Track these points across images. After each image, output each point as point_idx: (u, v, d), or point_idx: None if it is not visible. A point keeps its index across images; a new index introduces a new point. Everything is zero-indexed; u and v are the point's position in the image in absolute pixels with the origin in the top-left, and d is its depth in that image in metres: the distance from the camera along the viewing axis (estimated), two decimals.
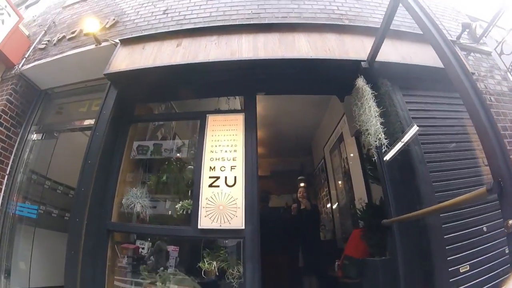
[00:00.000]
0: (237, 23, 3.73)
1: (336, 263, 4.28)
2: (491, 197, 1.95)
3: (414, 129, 3.00)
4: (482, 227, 2.90)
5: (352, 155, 4.87)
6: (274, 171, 8.44)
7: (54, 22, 5.18)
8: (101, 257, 3.04)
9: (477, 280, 2.68)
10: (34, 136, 4.60)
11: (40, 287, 4.31)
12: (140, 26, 4.10)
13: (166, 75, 3.54)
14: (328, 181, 6.36)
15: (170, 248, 3.36)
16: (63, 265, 4.17)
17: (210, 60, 3.36)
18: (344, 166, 5.23)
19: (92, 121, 4.23)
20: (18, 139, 4.44)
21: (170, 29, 3.84)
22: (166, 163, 3.78)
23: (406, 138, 2.96)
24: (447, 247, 2.73)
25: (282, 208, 6.27)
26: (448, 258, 2.70)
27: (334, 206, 5.96)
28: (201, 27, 3.75)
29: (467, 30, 4.12)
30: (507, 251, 2.89)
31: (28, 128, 4.56)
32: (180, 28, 3.81)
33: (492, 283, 2.68)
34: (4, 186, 4.17)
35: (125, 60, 3.64)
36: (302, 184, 5.23)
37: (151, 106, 4.07)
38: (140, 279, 3.10)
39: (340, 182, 5.58)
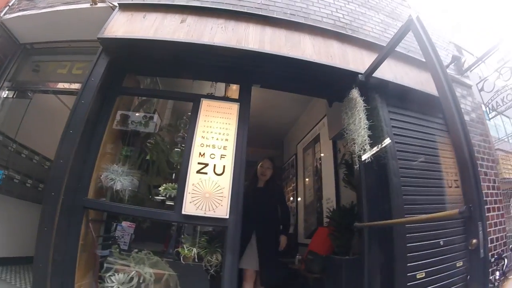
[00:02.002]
0: (245, 10, 3.78)
1: (298, 256, 4.61)
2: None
3: (387, 141, 3.30)
4: (439, 241, 3.28)
5: (325, 156, 5.20)
6: None
7: None
8: (75, 235, 2.96)
9: (431, 287, 3.08)
10: (6, 93, 4.37)
11: None
12: None
13: (167, 51, 3.49)
14: (297, 177, 6.71)
15: (126, 224, 3.40)
16: (24, 236, 4.24)
17: (215, 44, 3.38)
18: (316, 166, 5.56)
19: (70, 85, 4.20)
20: None
21: (175, 2, 3.77)
22: (152, 141, 3.76)
23: (380, 146, 3.27)
24: (408, 254, 3.08)
25: None
26: (408, 264, 3.05)
27: (300, 202, 6.32)
28: (208, 7, 3.73)
29: (455, 62, 4.51)
30: (457, 265, 3.34)
31: (0, 84, 4.31)
32: (186, 4, 3.75)
33: None
34: None
35: (123, 26, 3.51)
36: (268, 163, 4.42)
37: (138, 79, 4.03)
38: (112, 259, 3.11)
39: (308, 180, 5.97)
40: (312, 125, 5.89)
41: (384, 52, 3.20)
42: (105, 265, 3.06)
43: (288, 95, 5.13)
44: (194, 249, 3.13)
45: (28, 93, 4.43)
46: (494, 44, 4.40)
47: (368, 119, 3.34)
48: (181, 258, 3.11)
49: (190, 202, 3.00)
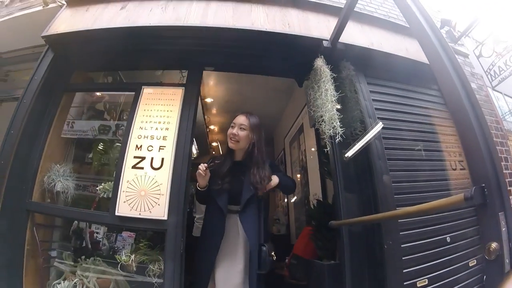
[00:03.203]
0: None
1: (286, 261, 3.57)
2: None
3: (379, 126, 2.38)
4: (445, 237, 2.31)
5: (309, 147, 4.22)
6: None
7: None
8: (19, 239, 2.41)
9: None
10: None
11: None
12: None
13: (105, 40, 2.76)
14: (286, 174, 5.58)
15: (126, 234, 2.67)
16: None
17: (150, 24, 2.59)
18: (302, 159, 4.54)
19: None
20: None
21: None
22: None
23: (370, 135, 2.35)
24: (404, 258, 2.13)
25: None
26: (405, 271, 2.10)
27: (292, 200, 5.24)
28: None
29: (446, 27, 3.39)
30: (470, 265, 2.35)
31: None
32: None
33: None
34: None
35: (66, 22, 2.87)
36: (242, 119, 2.30)
37: (91, 76, 3.26)
38: (63, 266, 2.50)
39: (298, 175, 4.86)
40: (296, 115, 4.85)
41: (345, 10, 2.29)
42: (54, 272, 2.54)
43: (263, 85, 4.23)
44: (132, 256, 2.33)
45: None
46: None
47: (339, 91, 2.38)
48: (119, 266, 2.31)
49: (124, 202, 2.28)
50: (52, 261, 2.59)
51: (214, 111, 5.65)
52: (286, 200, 5.56)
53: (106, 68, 3.16)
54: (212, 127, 6.48)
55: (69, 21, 2.86)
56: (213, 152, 7.24)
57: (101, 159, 2.91)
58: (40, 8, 3.29)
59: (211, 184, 2.23)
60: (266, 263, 2.10)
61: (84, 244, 2.68)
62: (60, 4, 3.17)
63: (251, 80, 4.32)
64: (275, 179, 2.27)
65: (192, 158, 4.15)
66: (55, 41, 2.77)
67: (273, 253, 2.19)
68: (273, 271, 3.56)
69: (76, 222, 2.71)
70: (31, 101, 2.58)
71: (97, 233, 2.74)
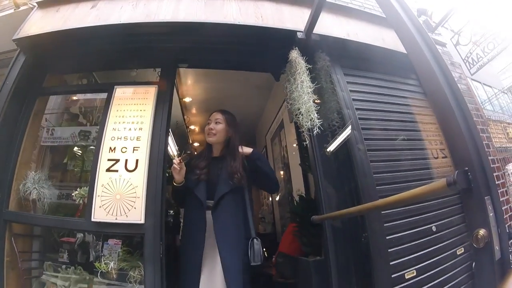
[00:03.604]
0: None
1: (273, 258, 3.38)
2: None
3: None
4: (431, 227, 2.19)
5: (290, 142, 4.08)
6: None
7: None
8: None
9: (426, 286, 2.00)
10: None
11: None
12: None
13: (77, 41, 2.57)
14: None
15: (113, 241, 2.36)
16: None
17: (120, 22, 2.40)
18: (283, 155, 4.37)
19: None
20: None
21: None
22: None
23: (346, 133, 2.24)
24: (389, 250, 2.00)
25: None
26: (391, 263, 1.97)
27: (276, 198, 5.08)
28: None
29: (423, 17, 3.26)
30: (458, 253, 2.26)
31: None
32: None
33: None
34: None
35: (36, 23, 2.66)
36: (217, 114, 2.35)
37: (64, 78, 3.05)
38: (45, 277, 2.31)
39: (281, 172, 4.68)
40: (276, 111, 4.68)
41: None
42: (36, 283, 2.33)
43: (243, 82, 4.07)
44: (111, 263, 2.14)
45: None
46: None
47: (315, 82, 2.24)
48: (98, 274, 2.12)
49: (100, 207, 2.10)
50: (34, 272, 2.41)
51: (193, 110, 5.46)
52: (270, 198, 5.40)
53: (79, 70, 2.96)
54: (192, 127, 6.26)
55: (39, 23, 2.65)
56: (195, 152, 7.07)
57: (76, 164, 2.69)
58: (12, 11, 3.04)
59: (188, 179, 2.14)
60: (260, 255, 1.97)
61: (91, 259, 2.38)
62: (31, 6, 2.95)
63: (230, 77, 4.14)
64: (247, 149, 2.22)
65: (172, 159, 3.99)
66: (26, 44, 2.58)
67: (264, 249, 2.03)
68: (261, 270, 3.39)
69: (81, 235, 2.44)
70: (4, 106, 2.38)
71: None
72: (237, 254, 1.98)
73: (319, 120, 2.03)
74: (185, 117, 5.32)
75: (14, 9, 3.02)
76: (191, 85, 4.47)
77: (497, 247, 0.97)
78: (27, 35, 2.54)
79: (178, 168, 2.04)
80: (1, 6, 3.33)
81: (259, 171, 2.19)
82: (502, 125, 5.24)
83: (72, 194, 2.37)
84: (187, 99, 4.89)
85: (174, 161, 2.04)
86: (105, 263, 2.16)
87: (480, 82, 5.03)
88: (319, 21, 2.28)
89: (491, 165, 2.84)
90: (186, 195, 2.19)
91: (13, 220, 2.36)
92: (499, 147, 4.56)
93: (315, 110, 2.05)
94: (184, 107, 5.11)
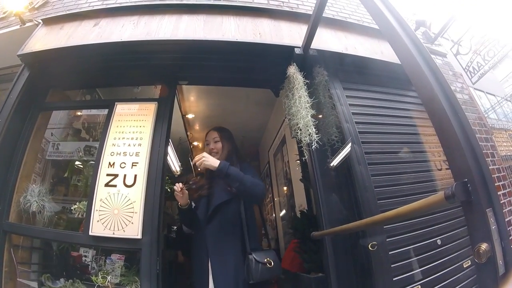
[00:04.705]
0: (160, 2, 2.81)
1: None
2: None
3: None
4: (436, 240, 2.14)
5: (292, 158, 4.02)
6: None
7: None
8: None
9: None
10: None
11: None
12: (67, 6, 3.14)
13: (79, 58, 2.63)
14: (272, 187, 5.43)
15: (115, 256, 2.37)
16: None
17: (122, 40, 2.47)
18: (286, 170, 4.32)
19: None
20: None
21: (90, 8, 2.92)
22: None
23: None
24: (392, 265, 1.94)
25: None
26: (394, 278, 1.91)
27: (280, 214, 4.98)
28: (121, 6, 2.82)
29: (422, 28, 3.27)
30: (465, 265, 2.20)
31: None
32: (100, 7, 2.89)
33: None
34: None
35: (41, 40, 2.75)
36: (213, 133, 2.35)
37: (67, 94, 3.07)
38: None
39: (284, 188, 4.64)
40: (278, 127, 4.66)
41: (314, 16, 2.13)
42: None
43: (244, 98, 4.07)
44: (108, 277, 2.12)
45: None
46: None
47: (313, 97, 2.22)
48: None
49: (98, 221, 2.12)
50: (33, 283, 2.36)
51: (196, 127, 5.44)
52: (274, 214, 5.33)
53: (81, 87, 3.01)
54: (195, 143, 6.22)
55: (44, 40, 2.74)
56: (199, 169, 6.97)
57: (76, 178, 2.72)
58: (18, 27, 3.15)
59: (193, 199, 2.15)
60: (258, 272, 1.87)
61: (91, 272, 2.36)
62: (36, 22, 3.06)
63: (232, 94, 4.15)
64: (213, 162, 1.95)
65: (176, 176, 3.95)
66: (30, 60, 2.66)
67: (266, 260, 1.92)
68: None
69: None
70: (7, 120, 2.43)
71: (85, 256, 2.46)
72: (229, 273, 1.90)
73: (317, 135, 2.01)
74: (188, 133, 5.32)
75: (20, 25, 3.13)
76: (193, 101, 4.49)
77: (500, 262, 0.92)
78: (32, 51, 2.62)
79: (181, 195, 2.00)
80: (7, 22, 3.42)
81: (238, 186, 1.94)
82: (507, 133, 5.17)
83: (72, 208, 2.39)
84: (190, 116, 4.89)
85: (175, 187, 1.99)
86: (102, 277, 2.13)
87: (483, 91, 4.99)
88: (317, 36, 2.31)
89: (494, 175, 2.78)
90: (194, 216, 2.14)
91: (12, 232, 2.37)
92: (504, 155, 4.48)
93: (313, 125, 2.04)
94: (187, 124, 5.12)
